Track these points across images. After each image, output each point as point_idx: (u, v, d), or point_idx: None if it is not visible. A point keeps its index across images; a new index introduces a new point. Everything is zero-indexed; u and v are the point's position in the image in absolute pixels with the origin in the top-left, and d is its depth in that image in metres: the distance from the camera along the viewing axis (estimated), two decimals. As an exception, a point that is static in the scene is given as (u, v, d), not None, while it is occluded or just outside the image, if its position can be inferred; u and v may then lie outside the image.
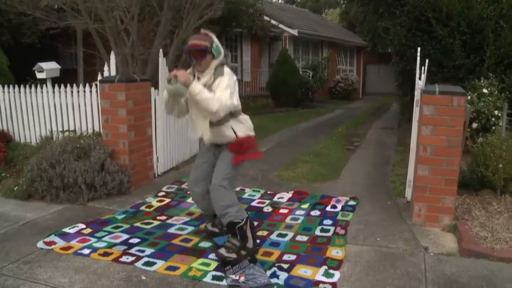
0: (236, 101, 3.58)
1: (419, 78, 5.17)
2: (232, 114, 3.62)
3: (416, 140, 4.85)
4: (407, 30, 8.57)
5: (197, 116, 3.68)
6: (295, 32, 18.30)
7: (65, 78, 7.43)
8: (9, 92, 7.08)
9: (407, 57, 8.85)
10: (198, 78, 3.56)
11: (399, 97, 11.51)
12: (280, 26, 17.94)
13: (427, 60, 5.39)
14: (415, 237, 4.11)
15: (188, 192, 5.46)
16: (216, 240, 4.03)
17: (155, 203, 5.17)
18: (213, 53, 3.54)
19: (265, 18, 16.33)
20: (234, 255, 3.59)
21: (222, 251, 3.66)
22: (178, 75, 3.39)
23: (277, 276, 3.36)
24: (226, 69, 3.58)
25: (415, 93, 5.07)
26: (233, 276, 3.34)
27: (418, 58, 5.08)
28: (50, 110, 6.74)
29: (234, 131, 3.63)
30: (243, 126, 3.71)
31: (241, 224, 3.60)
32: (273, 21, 17.24)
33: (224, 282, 3.31)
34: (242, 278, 3.29)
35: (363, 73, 26.64)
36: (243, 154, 3.68)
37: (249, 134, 3.74)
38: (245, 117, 3.78)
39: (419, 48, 5.18)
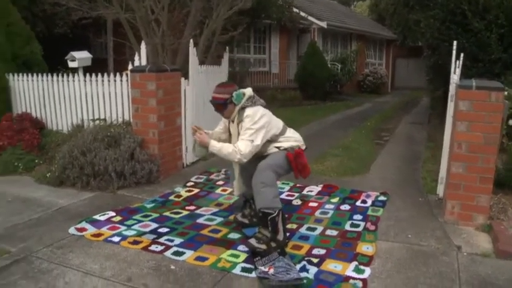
0: (260, 140, 3.70)
1: (454, 73, 5.04)
2: (272, 141, 3.86)
3: (450, 136, 4.74)
4: (440, 23, 8.37)
5: (238, 171, 4.06)
6: (324, 24, 18.12)
7: (95, 67, 7.50)
8: (42, 81, 7.18)
9: (439, 51, 8.66)
10: (232, 121, 3.87)
11: (430, 92, 11.33)
12: (309, 18, 17.77)
13: (462, 54, 5.25)
14: (448, 236, 4.01)
15: (217, 183, 5.51)
16: (245, 231, 4.03)
17: (184, 193, 5.19)
18: (234, 102, 3.78)
19: (295, 10, 16.18)
20: (264, 246, 3.60)
21: (253, 241, 3.67)
22: (197, 139, 3.80)
23: (307, 270, 3.33)
24: (248, 112, 3.75)
25: (450, 87, 4.94)
26: (262, 268, 3.33)
27: (454, 52, 4.95)
28: (81, 99, 6.81)
29: (278, 147, 3.86)
30: (286, 141, 3.90)
31: (274, 215, 3.63)
32: (302, 13, 17.09)
33: (253, 275, 3.29)
34: (271, 270, 3.27)
35: (392, 67, 26.25)
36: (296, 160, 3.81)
37: (293, 145, 3.89)
38: (287, 136, 3.94)
39: (455, 42, 5.04)
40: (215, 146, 3.73)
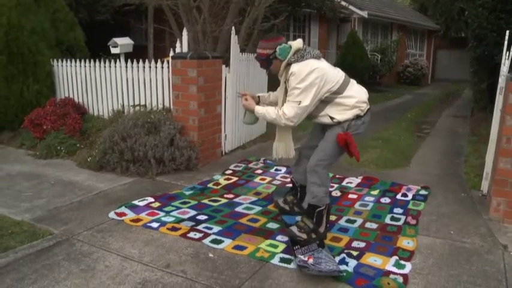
0: (310, 100, 3.36)
1: (504, 64, 4.84)
2: (325, 102, 3.49)
3: (497, 130, 4.56)
4: (489, 12, 8.06)
5: (281, 132, 3.88)
6: (364, 14, 17.78)
7: (135, 54, 7.57)
8: (85, 66, 7.29)
9: (487, 42, 8.36)
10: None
11: (474, 84, 10.95)
12: (350, 7, 17.46)
13: (512, 46, 5.03)
14: (492, 234, 3.87)
15: (256, 171, 5.49)
16: (284, 219, 3.98)
17: (222, 181, 5.19)
18: (278, 58, 3.46)
19: (335, -2, 15.95)
20: (304, 236, 3.54)
21: (294, 229, 3.62)
22: (243, 105, 3.68)
23: (346, 263, 3.27)
24: (294, 68, 3.40)
25: (500, 79, 4.75)
26: (302, 257, 3.28)
27: (506, 42, 4.75)
28: (122, 85, 6.88)
29: (332, 118, 3.51)
30: (342, 109, 3.50)
31: (322, 208, 3.57)
32: (342, 2, 16.79)
33: (292, 265, 3.26)
34: (311, 260, 3.22)
35: (433, 58, 25.60)
36: (347, 145, 3.51)
37: (349, 117, 3.51)
38: (346, 95, 3.50)
39: (507, 32, 4.83)
40: (259, 111, 3.56)
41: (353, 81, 3.64)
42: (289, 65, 3.45)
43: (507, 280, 3.13)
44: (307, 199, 3.64)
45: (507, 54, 4.94)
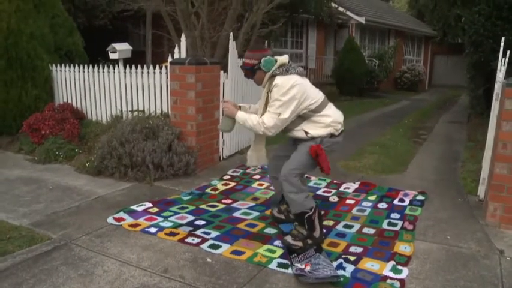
0: (289, 113, 3.43)
1: (499, 70, 4.88)
2: (302, 117, 3.57)
3: (493, 135, 4.59)
4: (486, 18, 8.12)
5: (255, 140, 3.95)
6: (362, 20, 17.87)
7: (134, 59, 7.60)
8: (83, 72, 7.31)
9: (483, 48, 8.42)
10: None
11: (470, 90, 11.00)
12: (348, 13, 17.54)
13: (508, 52, 5.07)
14: (489, 239, 3.88)
15: (254, 177, 5.51)
16: (281, 227, 4.00)
17: (220, 186, 5.21)
18: (262, 69, 3.52)
19: (333, 4, 16.01)
20: (300, 244, 3.56)
21: (288, 238, 3.63)
22: (224, 111, 3.72)
23: (344, 268, 3.28)
24: (278, 80, 3.46)
25: (496, 86, 4.79)
26: (299, 265, 3.30)
27: (502, 49, 4.79)
28: (121, 90, 6.91)
29: (306, 132, 3.57)
30: (317, 126, 3.57)
31: (310, 213, 3.56)
32: (340, 8, 16.89)
33: (289, 271, 3.27)
34: (308, 268, 3.24)
35: (430, 64, 25.71)
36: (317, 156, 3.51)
37: (322, 134, 3.57)
38: (323, 114, 3.58)
39: (503, 38, 4.87)
40: (241, 117, 3.60)
41: (331, 104, 3.73)
42: (273, 77, 3.51)
43: (503, 285, 3.15)
44: (291, 209, 3.67)
45: (503, 60, 4.98)
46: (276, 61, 3.51)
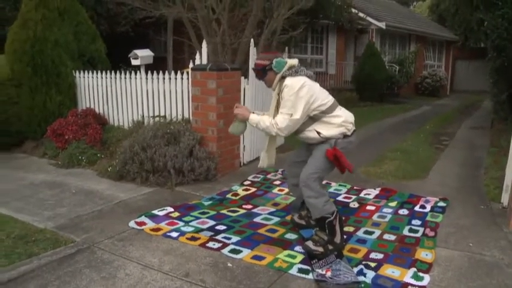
0: (300, 114, 3.50)
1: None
2: (313, 119, 3.62)
3: (517, 142, 4.53)
4: (509, 22, 7.99)
5: (268, 142, 3.99)
6: (382, 25, 17.77)
7: (155, 65, 7.69)
8: (106, 78, 7.43)
9: (506, 53, 8.29)
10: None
11: (494, 95, 10.83)
12: (368, 18, 17.48)
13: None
14: (513, 247, 3.84)
15: (274, 182, 5.52)
16: (302, 233, 4.01)
17: (241, 192, 5.23)
18: (273, 69, 3.61)
19: (353, 10, 15.99)
20: (321, 249, 3.57)
21: (309, 243, 3.65)
22: (236, 113, 3.74)
23: (364, 275, 3.27)
24: (288, 81, 3.55)
25: (519, 92, 4.73)
26: (320, 271, 3.31)
27: (525, 54, 4.72)
28: (143, 96, 6.99)
29: (318, 132, 3.61)
30: (329, 126, 3.61)
31: (331, 218, 3.58)
32: (360, 14, 16.84)
33: (310, 276, 3.27)
34: (329, 273, 3.24)
35: (451, 69, 25.40)
36: (337, 159, 3.57)
37: (334, 134, 3.61)
38: (334, 115, 3.64)
39: (527, 44, 4.80)
40: (254, 119, 3.67)
41: (341, 107, 3.79)
42: (283, 78, 3.60)
43: (528, 294, 3.11)
44: (312, 215, 3.70)
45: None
46: (287, 62, 3.62)
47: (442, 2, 27.94)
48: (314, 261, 3.47)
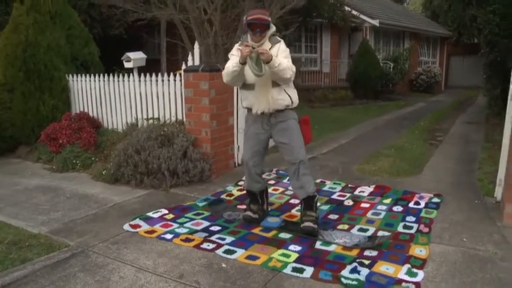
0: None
1: (514, 70, 4.83)
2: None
3: (509, 136, 4.54)
4: (501, 18, 8.03)
5: (262, 88, 3.89)
6: (376, 23, 17.81)
7: (149, 67, 7.69)
8: (99, 81, 7.43)
9: (499, 48, 8.34)
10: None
11: (487, 90, 10.88)
12: (361, 16, 17.51)
13: (524, 51, 5.02)
14: (507, 241, 3.83)
15: (269, 182, 5.52)
16: (267, 225, 4.21)
17: (235, 192, 5.23)
18: (272, 27, 3.90)
19: (346, 8, 16.02)
20: (316, 226, 3.92)
21: (310, 224, 3.91)
22: (262, 53, 3.63)
23: (358, 272, 3.27)
24: (282, 42, 3.92)
25: (510, 86, 4.74)
26: (339, 241, 3.79)
27: (516, 49, 4.74)
28: (136, 98, 6.99)
29: (288, 94, 3.93)
30: (294, 92, 4.02)
31: (317, 196, 4.07)
32: (353, 12, 16.87)
33: (304, 275, 3.27)
34: (344, 239, 3.79)
35: (446, 65, 25.49)
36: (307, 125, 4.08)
37: (297, 101, 4.04)
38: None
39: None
40: (277, 59, 3.68)
41: None
42: (274, 35, 3.92)
43: (522, 287, 3.12)
44: (308, 191, 3.96)
45: (518, 60, 4.93)
46: None
47: (436, -2, 28.02)
48: (321, 236, 3.89)
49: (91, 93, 7.61)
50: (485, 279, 3.21)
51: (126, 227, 4.21)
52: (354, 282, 3.13)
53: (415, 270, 3.31)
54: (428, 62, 23.35)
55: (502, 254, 3.61)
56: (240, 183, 5.56)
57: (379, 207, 4.67)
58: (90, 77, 7.53)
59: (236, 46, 3.97)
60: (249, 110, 4.07)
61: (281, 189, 5.29)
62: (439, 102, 16.64)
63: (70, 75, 7.74)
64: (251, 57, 3.65)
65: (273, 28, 3.90)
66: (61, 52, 7.60)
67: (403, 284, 3.13)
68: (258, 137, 4.07)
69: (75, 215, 4.58)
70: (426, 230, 4.06)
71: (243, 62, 3.72)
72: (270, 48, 3.78)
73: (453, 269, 3.37)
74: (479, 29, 9.52)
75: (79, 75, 7.68)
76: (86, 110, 7.66)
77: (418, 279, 3.20)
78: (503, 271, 3.33)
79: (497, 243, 3.80)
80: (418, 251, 3.64)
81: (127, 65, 7.29)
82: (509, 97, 4.71)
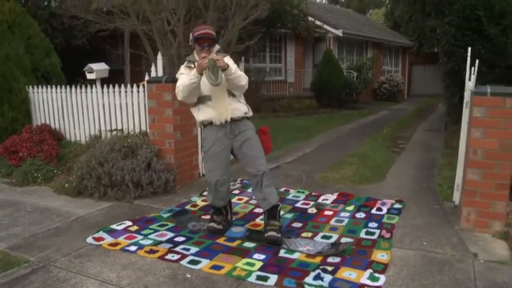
0: None
1: (469, 79, 5.02)
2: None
3: (465, 142, 4.71)
4: (456, 29, 8.31)
5: (219, 97, 3.95)
6: (339, 33, 18.13)
7: (113, 78, 7.63)
8: (61, 92, 7.32)
9: (455, 58, 8.59)
10: None
11: (446, 98, 11.18)
12: (325, 26, 17.80)
13: (477, 61, 5.22)
14: (464, 243, 3.97)
15: (233, 192, 5.53)
16: (231, 235, 4.23)
17: (200, 202, 5.23)
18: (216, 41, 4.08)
19: (310, 18, 16.26)
20: (280, 235, 3.96)
21: (273, 233, 3.95)
22: (218, 60, 3.73)
23: (322, 279, 3.32)
24: (227, 57, 4.03)
25: (465, 94, 4.92)
26: (303, 249, 3.82)
27: (468, 58, 4.93)
28: (99, 110, 6.93)
29: (243, 103, 4.07)
30: (244, 102, 4.12)
31: (280, 205, 4.13)
32: (317, 22, 17.15)
33: (268, 283, 3.30)
34: (307, 247, 3.83)
35: (408, 74, 26.12)
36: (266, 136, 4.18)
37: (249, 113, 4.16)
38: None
39: (469, 48, 5.02)
40: (232, 67, 3.85)
41: None
42: (218, 51, 4.04)
43: (476, 286, 3.24)
44: (271, 202, 4.00)
45: (472, 69, 5.11)
46: None
47: (397, 9, 28.72)
48: (285, 245, 3.92)
49: (53, 105, 7.49)
50: (443, 281, 3.32)
51: (90, 240, 4.15)
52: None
53: (377, 274, 3.39)
54: (391, 71, 23.88)
55: (459, 256, 3.74)
56: (204, 193, 5.54)
57: (342, 214, 4.75)
58: (51, 88, 7.42)
59: (184, 65, 4.09)
60: (207, 125, 4.06)
61: (246, 199, 5.32)
62: (401, 110, 17.01)
63: (30, 86, 7.61)
64: (208, 66, 3.72)
65: (218, 46, 4.08)
66: (20, 63, 7.46)
67: (365, 288, 3.20)
68: (222, 154, 4.07)
69: (36, 229, 4.48)
70: (388, 235, 4.16)
71: (200, 73, 3.77)
72: None
73: (413, 272, 3.46)
74: (438, 39, 9.79)
75: (40, 86, 7.55)
76: (47, 122, 7.53)
77: (379, 283, 3.28)
78: (460, 272, 3.45)
79: (454, 246, 3.93)
80: (380, 256, 3.72)
81: (89, 76, 7.20)
82: (464, 105, 4.89)
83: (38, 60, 7.94)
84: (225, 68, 3.76)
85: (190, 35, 4.00)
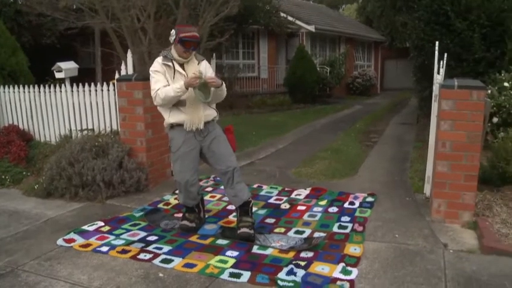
0: None
1: (438, 73, 5.10)
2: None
3: (435, 135, 4.78)
4: (425, 24, 8.46)
5: (193, 104, 3.91)
6: (312, 28, 18.21)
7: (84, 77, 7.49)
8: (29, 92, 7.17)
9: (425, 52, 8.74)
10: (182, 65, 3.98)
11: (417, 92, 11.37)
12: (297, 22, 17.86)
13: (445, 55, 5.31)
14: (434, 234, 4.04)
15: (206, 189, 5.51)
16: (204, 232, 4.22)
17: (173, 201, 5.19)
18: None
19: (282, 14, 16.28)
20: (252, 231, 3.98)
21: (246, 230, 3.97)
22: (213, 83, 3.77)
23: (295, 274, 3.33)
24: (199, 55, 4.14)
25: (434, 87, 4.99)
26: (277, 245, 3.85)
27: (436, 52, 5.00)
28: (69, 109, 6.81)
29: (213, 108, 4.08)
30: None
31: (252, 202, 4.15)
32: (289, 18, 17.18)
33: (241, 279, 3.30)
34: (280, 243, 3.87)
35: (381, 68, 26.43)
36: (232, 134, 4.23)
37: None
38: None
39: (437, 42, 5.10)
40: (218, 81, 3.83)
41: None
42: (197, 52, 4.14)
43: (446, 276, 3.30)
44: (243, 198, 4.02)
45: (441, 63, 5.20)
46: None
47: (369, 5, 29.02)
48: (258, 241, 3.94)
49: (21, 105, 7.33)
50: (414, 272, 3.37)
51: (60, 242, 4.07)
52: (291, 284, 3.19)
53: (349, 268, 3.42)
54: (364, 65, 24.10)
55: (430, 247, 3.81)
56: (177, 191, 5.51)
57: (315, 209, 4.78)
58: (19, 88, 7.25)
59: (160, 62, 3.98)
60: (175, 126, 4.01)
61: (218, 196, 5.30)
62: (375, 105, 17.19)
63: (-4, 86, 7.43)
64: (199, 86, 3.72)
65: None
66: (-16, 62, 7.29)
67: (338, 282, 3.22)
68: (192, 154, 4.03)
69: (4, 233, 4.36)
70: (360, 228, 4.20)
71: (187, 88, 3.76)
72: (197, 64, 3.99)
73: (385, 265, 3.51)
74: (408, 34, 9.94)
75: (6, 86, 7.37)
76: (15, 123, 7.36)
77: (352, 276, 3.30)
78: (430, 263, 3.51)
79: (426, 237, 4.00)
80: (352, 249, 3.76)
81: (58, 75, 7.07)
82: (433, 98, 4.96)
83: (3, 59, 7.73)
84: (219, 86, 3.81)
85: (173, 32, 3.88)
